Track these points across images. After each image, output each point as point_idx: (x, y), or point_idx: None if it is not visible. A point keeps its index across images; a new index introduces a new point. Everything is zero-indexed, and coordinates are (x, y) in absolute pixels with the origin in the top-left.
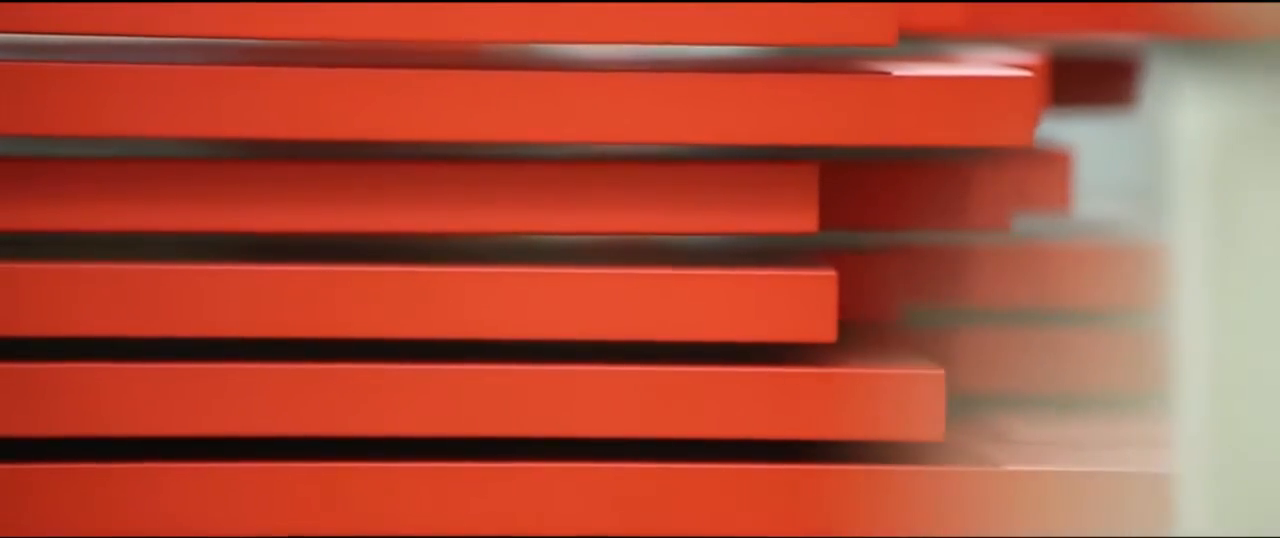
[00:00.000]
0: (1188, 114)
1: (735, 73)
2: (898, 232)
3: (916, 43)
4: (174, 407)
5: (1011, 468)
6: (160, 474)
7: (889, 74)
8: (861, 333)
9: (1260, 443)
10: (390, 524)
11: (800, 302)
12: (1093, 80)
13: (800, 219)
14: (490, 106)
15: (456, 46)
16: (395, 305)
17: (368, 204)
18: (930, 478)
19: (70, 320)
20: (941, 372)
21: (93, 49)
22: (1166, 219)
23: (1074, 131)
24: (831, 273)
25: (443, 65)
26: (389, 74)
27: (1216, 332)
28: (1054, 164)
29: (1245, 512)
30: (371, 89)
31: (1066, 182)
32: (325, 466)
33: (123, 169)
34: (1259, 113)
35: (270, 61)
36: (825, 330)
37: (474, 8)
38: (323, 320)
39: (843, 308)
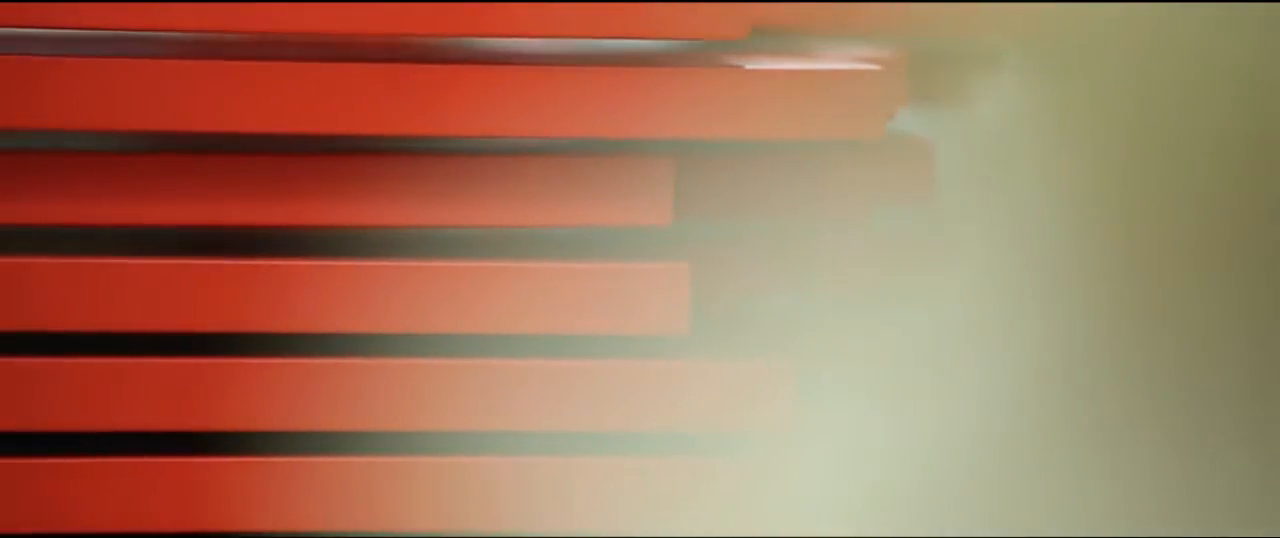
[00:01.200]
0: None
1: (588, 67)
2: (756, 223)
3: (776, 38)
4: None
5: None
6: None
7: (743, 68)
8: (715, 323)
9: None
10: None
11: (651, 295)
12: (955, 75)
13: (655, 212)
14: (332, 100)
15: (306, 40)
16: (240, 298)
17: (232, 198)
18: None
19: None
20: (791, 363)
21: None
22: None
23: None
24: (683, 265)
25: (286, 58)
26: (238, 67)
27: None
28: (914, 156)
29: None
30: (229, 81)
31: (928, 173)
32: (183, 461)
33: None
34: (989, 118)
35: (130, 53)
36: (676, 323)
37: (331, 6)
38: (178, 314)
39: (700, 299)
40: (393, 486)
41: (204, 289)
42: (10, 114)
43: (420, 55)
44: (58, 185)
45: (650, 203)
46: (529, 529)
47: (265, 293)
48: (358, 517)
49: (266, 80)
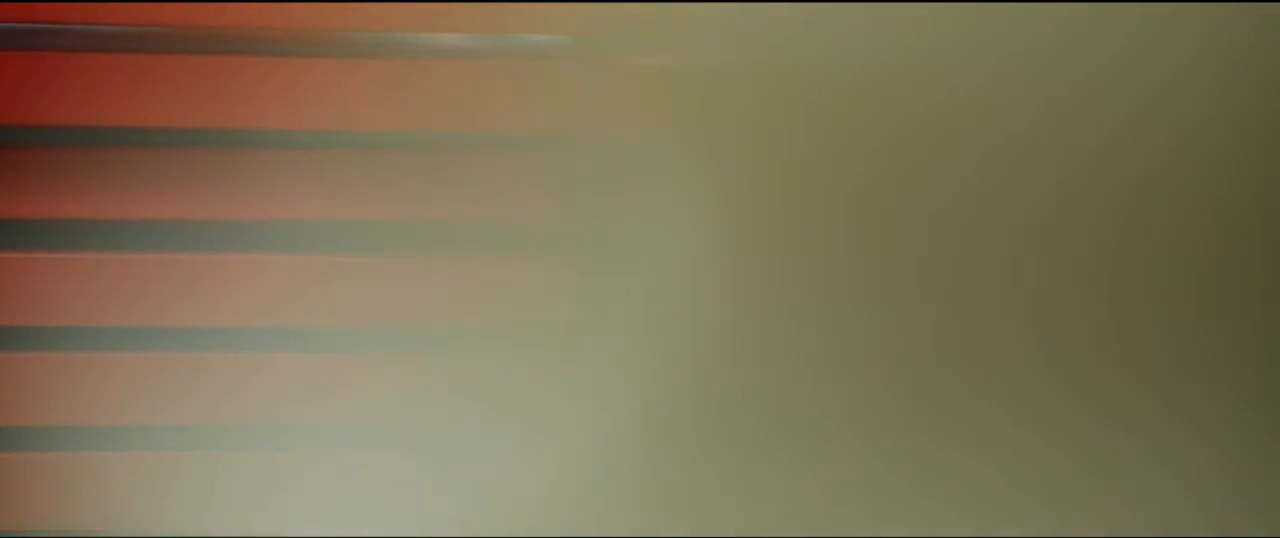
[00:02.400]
0: None
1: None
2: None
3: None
4: None
5: None
6: None
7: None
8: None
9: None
10: None
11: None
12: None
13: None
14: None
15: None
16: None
17: (95, 189)
18: None
19: None
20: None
21: None
22: None
23: None
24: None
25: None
26: (90, 58)
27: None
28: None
29: None
30: (84, 73)
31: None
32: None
33: None
34: None
35: None
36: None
37: None
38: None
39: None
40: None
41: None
42: None
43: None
44: None
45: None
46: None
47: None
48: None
49: (97, 71)
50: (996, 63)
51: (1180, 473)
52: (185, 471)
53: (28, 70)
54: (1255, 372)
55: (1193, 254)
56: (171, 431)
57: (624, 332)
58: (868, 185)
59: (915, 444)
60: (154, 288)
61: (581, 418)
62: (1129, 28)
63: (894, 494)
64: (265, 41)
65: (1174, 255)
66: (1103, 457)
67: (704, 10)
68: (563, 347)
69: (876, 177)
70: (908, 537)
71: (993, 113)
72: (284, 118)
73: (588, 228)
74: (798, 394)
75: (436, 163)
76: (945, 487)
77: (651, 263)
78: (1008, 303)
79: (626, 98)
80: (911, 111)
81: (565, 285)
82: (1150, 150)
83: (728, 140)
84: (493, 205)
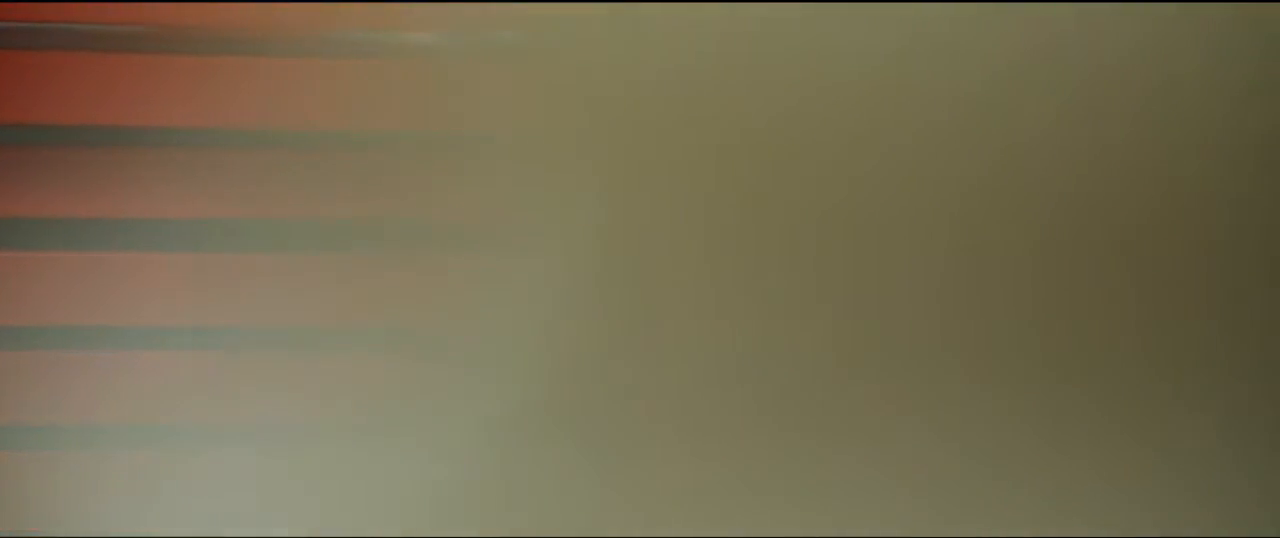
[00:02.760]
0: None
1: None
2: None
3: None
4: None
5: None
6: None
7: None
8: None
9: None
10: None
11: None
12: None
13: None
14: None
15: None
16: None
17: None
18: None
19: None
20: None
21: None
22: None
23: None
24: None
25: None
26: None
27: None
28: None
29: None
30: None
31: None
32: None
33: None
34: None
35: None
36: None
37: None
38: None
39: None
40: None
41: None
42: None
43: None
44: None
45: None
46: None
47: None
48: None
49: None
50: (881, 61)
51: (1190, 473)
52: (66, 470)
53: None
54: (1266, 371)
55: (1198, 254)
56: (58, 430)
57: (509, 329)
58: (747, 182)
59: (792, 442)
60: (51, 288)
61: (461, 417)
62: (1132, 28)
63: (770, 491)
64: (158, 40)
65: (1172, 256)
66: (1109, 458)
67: (595, 9)
68: (451, 344)
69: (756, 174)
70: (908, 537)
71: (886, 109)
72: (173, 116)
73: (474, 225)
74: (680, 390)
75: (329, 162)
76: (824, 487)
77: (542, 259)
78: (915, 304)
79: (519, 95)
80: (776, 106)
81: (455, 284)
82: (1155, 150)
83: (611, 136)
84: (389, 204)
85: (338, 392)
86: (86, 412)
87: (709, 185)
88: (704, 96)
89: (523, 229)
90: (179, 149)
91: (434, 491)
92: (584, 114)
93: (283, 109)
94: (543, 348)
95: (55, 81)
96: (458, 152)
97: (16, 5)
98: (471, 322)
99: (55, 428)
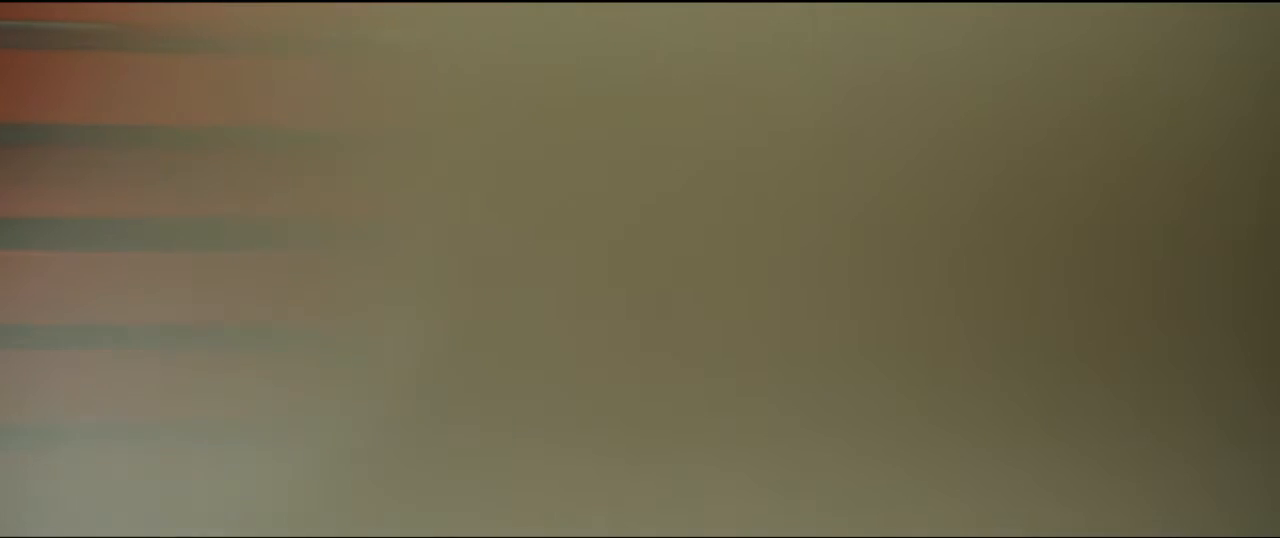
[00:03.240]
0: None
1: None
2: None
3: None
4: None
5: None
6: None
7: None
8: None
9: None
10: None
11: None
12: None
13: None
14: None
15: None
16: None
17: None
18: None
19: None
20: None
21: None
22: None
23: None
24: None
25: None
26: None
27: None
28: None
29: None
30: None
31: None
32: None
33: None
34: None
35: None
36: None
37: None
38: None
39: None
40: None
41: None
42: None
43: None
44: None
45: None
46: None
47: None
48: None
49: None
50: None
51: (1206, 474)
52: None
53: None
54: (1275, 371)
55: (1217, 255)
56: None
57: (373, 328)
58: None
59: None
60: None
61: (334, 417)
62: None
63: (640, 494)
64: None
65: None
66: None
67: (470, 10)
68: (324, 343)
69: (633, 171)
70: (909, 537)
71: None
72: (31, 113)
73: (340, 223)
74: (551, 388)
75: (191, 159)
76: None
77: (407, 258)
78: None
79: (391, 94)
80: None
81: (322, 284)
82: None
83: (486, 135)
84: (253, 202)
85: (196, 390)
86: None
87: (584, 184)
88: (589, 95)
89: (389, 228)
90: (38, 146)
91: (295, 491)
92: (456, 113)
93: (149, 106)
94: (408, 347)
95: None
96: (324, 149)
97: None
98: (335, 320)
99: None
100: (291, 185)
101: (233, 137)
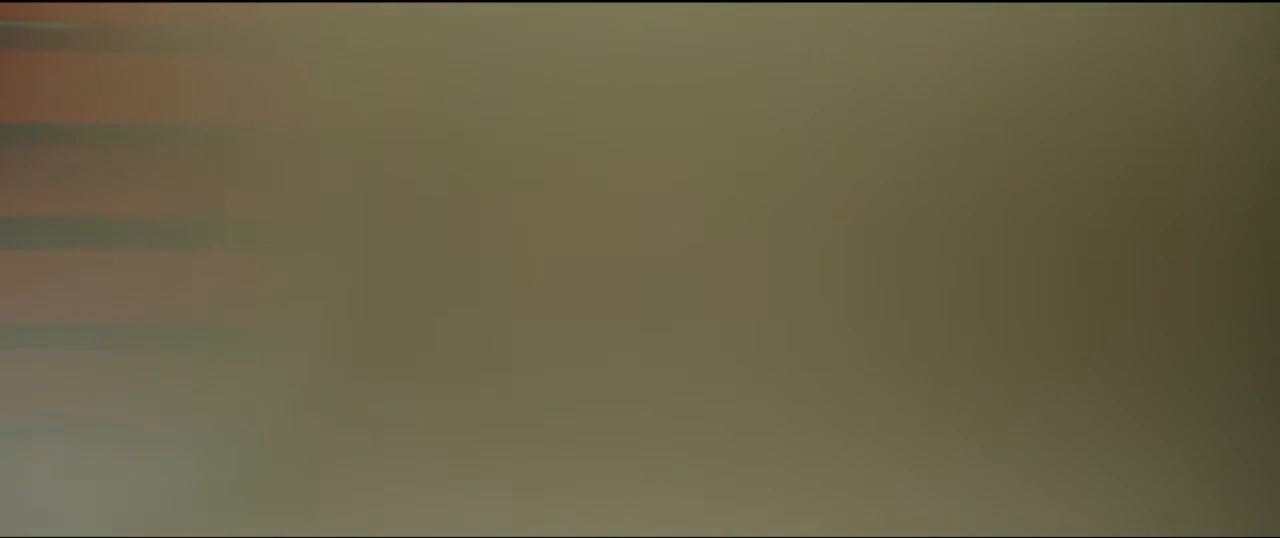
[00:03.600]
0: None
1: None
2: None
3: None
4: None
5: None
6: None
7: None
8: None
9: None
10: None
11: None
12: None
13: None
14: None
15: None
16: None
17: None
18: None
19: None
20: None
21: None
22: None
23: None
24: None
25: None
26: None
27: None
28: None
29: None
30: None
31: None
32: None
33: None
34: None
35: None
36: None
37: None
38: None
39: None
40: None
41: None
42: None
43: None
44: None
45: None
46: None
47: None
48: None
49: None
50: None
51: (1206, 474)
52: None
53: None
54: (1276, 371)
55: (1217, 255)
56: None
57: (289, 326)
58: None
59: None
60: None
61: (246, 415)
62: (1148, 31)
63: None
64: None
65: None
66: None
67: (369, 9)
68: (229, 342)
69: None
70: (910, 537)
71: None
72: None
73: (250, 222)
74: (471, 387)
75: (104, 157)
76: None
77: (313, 257)
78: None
79: (290, 91)
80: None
81: (232, 280)
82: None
83: (384, 132)
84: (160, 200)
85: (118, 390)
86: None
87: (493, 183)
88: (589, 94)
89: (293, 225)
90: None
91: (220, 488)
92: (358, 110)
93: (64, 104)
94: (318, 344)
95: None
96: (227, 146)
97: None
98: (246, 319)
99: None
100: (212, 184)
101: (156, 135)
